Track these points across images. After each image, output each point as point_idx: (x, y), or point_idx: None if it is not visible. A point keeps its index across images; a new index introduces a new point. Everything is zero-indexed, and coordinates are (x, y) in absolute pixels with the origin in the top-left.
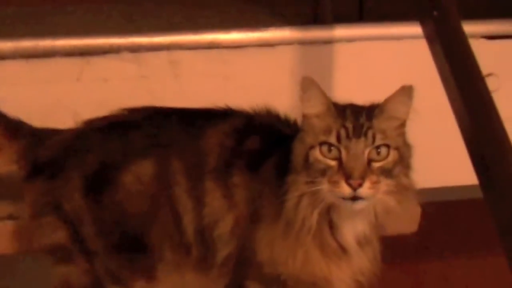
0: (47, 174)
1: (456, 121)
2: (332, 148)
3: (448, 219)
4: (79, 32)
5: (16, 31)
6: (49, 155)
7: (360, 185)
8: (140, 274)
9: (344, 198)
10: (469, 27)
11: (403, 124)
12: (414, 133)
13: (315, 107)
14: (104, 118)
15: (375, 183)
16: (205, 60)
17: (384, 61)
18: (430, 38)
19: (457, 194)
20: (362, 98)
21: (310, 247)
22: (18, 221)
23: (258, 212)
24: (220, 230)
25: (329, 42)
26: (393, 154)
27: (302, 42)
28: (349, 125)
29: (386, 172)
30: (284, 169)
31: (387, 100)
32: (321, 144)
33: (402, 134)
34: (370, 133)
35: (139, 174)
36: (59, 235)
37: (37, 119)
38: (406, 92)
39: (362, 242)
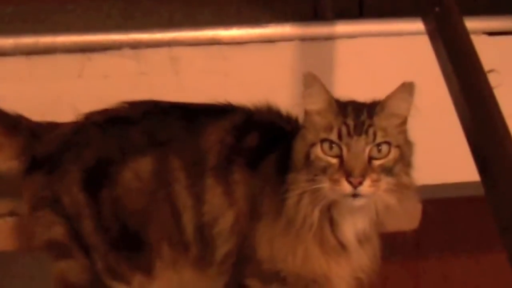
0: (45, 169)
1: (457, 118)
2: (333, 145)
3: (448, 216)
4: (79, 28)
5: (16, 28)
6: (48, 149)
7: (361, 183)
8: (139, 270)
9: (344, 195)
10: (471, 23)
11: (404, 122)
12: (416, 129)
13: (317, 104)
14: (104, 111)
15: (375, 181)
16: (206, 57)
17: (385, 57)
18: (432, 34)
19: (457, 191)
20: (362, 94)
21: (310, 244)
22: (18, 218)
23: (258, 209)
24: (220, 227)
25: (329, 38)
26: (394, 152)
27: (303, 39)
28: (350, 123)
29: (387, 170)
30: (284, 166)
31: (388, 97)
32: (322, 141)
33: (403, 132)
34: (371, 131)
35: (138, 170)
36: (57, 230)
37: (38, 115)
38: (407, 88)
39: (362, 240)
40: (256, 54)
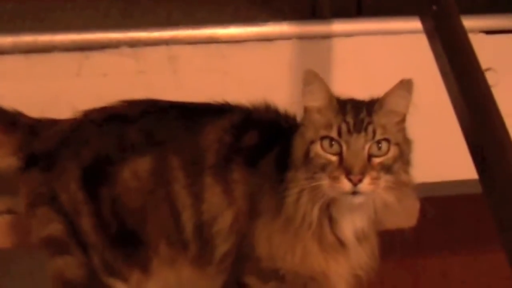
0: (43, 165)
1: (455, 116)
2: (333, 142)
3: (446, 214)
4: (78, 27)
5: (15, 27)
6: (45, 146)
7: (360, 180)
8: (136, 267)
9: (344, 193)
10: (468, 22)
11: (403, 120)
12: (414, 127)
13: (317, 101)
14: (102, 109)
15: (375, 179)
16: (204, 55)
17: (383, 56)
18: (429, 33)
19: (455, 189)
20: (360, 93)
21: (309, 242)
22: (16, 216)
23: (257, 207)
24: (219, 226)
25: (327, 36)
26: (393, 150)
27: (301, 37)
28: (350, 120)
29: (386, 168)
30: (283, 164)
31: (386, 94)
32: (322, 138)
33: (402, 130)
34: (370, 128)
35: (136, 170)
36: (54, 227)
37: (37, 114)
38: (405, 86)
39: (360, 237)
40: (254, 52)
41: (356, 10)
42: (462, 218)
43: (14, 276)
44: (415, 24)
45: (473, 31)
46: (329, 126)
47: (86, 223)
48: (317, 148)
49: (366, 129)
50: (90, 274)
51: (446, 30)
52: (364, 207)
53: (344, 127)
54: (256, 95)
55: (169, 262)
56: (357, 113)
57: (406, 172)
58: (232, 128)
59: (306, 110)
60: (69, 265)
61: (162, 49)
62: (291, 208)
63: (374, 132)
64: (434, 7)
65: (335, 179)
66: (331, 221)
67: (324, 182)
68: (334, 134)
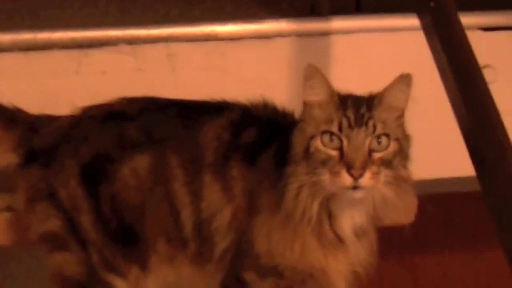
0: (42, 161)
1: (453, 113)
2: (333, 137)
3: (445, 212)
4: (76, 24)
5: (14, 25)
6: (45, 142)
7: (361, 175)
8: (134, 264)
9: (344, 188)
10: (466, 19)
11: (402, 115)
12: (411, 124)
13: (318, 95)
14: (102, 106)
15: (375, 174)
16: (202, 53)
17: (381, 53)
18: (427, 30)
19: (454, 187)
20: (359, 90)
21: (308, 237)
22: (15, 213)
23: (256, 203)
24: (218, 223)
25: (326, 34)
26: (393, 145)
27: (299, 34)
28: (351, 115)
29: (386, 163)
30: (282, 160)
31: (386, 89)
32: (323, 133)
33: (401, 125)
34: (371, 123)
35: (135, 167)
36: (53, 223)
37: (36, 111)
38: (405, 80)
39: (359, 233)
40: (253, 50)
41: (355, 7)
42: (461, 216)
43: (14, 274)
44: (413, 21)
45: (471, 28)
46: (329, 121)
47: (85, 220)
48: (317, 143)
49: (366, 124)
50: (89, 270)
51: (443, 27)
52: (364, 202)
53: (345, 122)
54: (254, 92)
55: (168, 259)
56: (358, 108)
57: (405, 167)
58: (230, 126)
59: (306, 105)
60: (68, 261)
61: (160, 46)
62: (290, 203)
63: (374, 127)
64: (432, 4)
65: (336, 174)
66: (330, 217)
67: (325, 177)
68: (335, 129)
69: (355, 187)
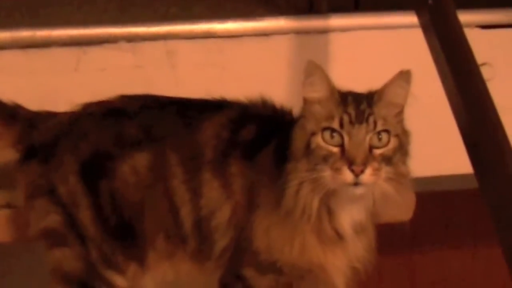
0: (41, 157)
1: (451, 110)
2: (334, 134)
3: (444, 209)
4: (76, 22)
5: (13, 22)
6: (44, 138)
7: (363, 171)
8: (133, 260)
9: (346, 184)
10: (464, 16)
11: (401, 111)
12: (411, 121)
13: (318, 92)
14: (101, 103)
15: (376, 170)
16: (201, 50)
17: (379, 50)
18: (425, 27)
19: (453, 184)
20: (357, 87)
21: (307, 234)
22: (15, 210)
23: (255, 200)
24: (217, 220)
25: (324, 31)
26: (393, 141)
27: (298, 32)
28: (351, 111)
29: (387, 160)
30: (281, 157)
31: (385, 85)
32: (324, 130)
33: (401, 121)
34: (371, 119)
35: (135, 165)
36: (52, 218)
37: (35, 109)
38: (404, 76)
39: (358, 230)
40: (252, 47)
41: (353, 5)
42: (460, 214)
43: (13, 270)
44: (412, 18)
45: (469, 25)
46: (330, 118)
47: (84, 216)
48: (318, 139)
49: (367, 120)
50: (88, 266)
51: (442, 24)
52: (364, 199)
53: (346, 118)
54: (253, 90)
55: (166, 256)
56: (358, 104)
57: (404, 163)
58: (229, 124)
59: (307, 101)
60: (67, 257)
61: (160, 44)
62: (290, 200)
63: (375, 123)
64: (430, 1)
65: (337, 170)
66: (330, 213)
67: (326, 173)
68: (335, 125)
69: (356, 184)
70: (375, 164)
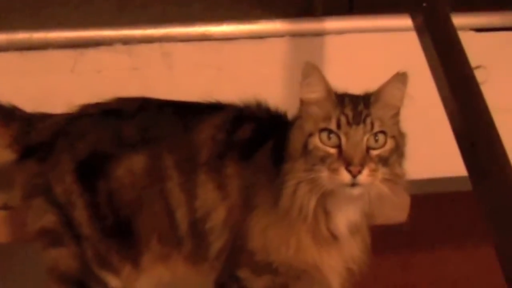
0: (38, 157)
1: (445, 112)
2: (331, 135)
3: (438, 211)
4: (72, 24)
5: (9, 24)
6: (41, 138)
7: (360, 172)
8: (127, 261)
9: (343, 185)
10: (458, 20)
11: (397, 113)
12: (405, 124)
13: (315, 93)
14: (98, 104)
15: (373, 171)
16: (197, 52)
17: (374, 53)
18: (420, 30)
19: (448, 186)
20: (352, 90)
21: (303, 234)
22: (12, 211)
23: (251, 200)
24: (213, 221)
25: (319, 34)
26: (390, 143)
27: (293, 34)
28: (349, 113)
29: (383, 161)
30: (277, 158)
31: (382, 87)
32: (321, 131)
33: (397, 123)
34: (368, 120)
35: (131, 167)
36: (48, 218)
37: (32, 111)
38: (401, 78)
39: (353, 230)
40: (247, 49)
41: (348, 7)
42: (454, 215)
43: (9, 270)
44: (406, 21)
45: (463, 28)
46: (328, 119)
47: (80, 215)
48: (315, 140)
49: (364, 121)
50: (83, 266)
51: (436, 27)
52: (360, 199)
53: (343, 119)
54: (249, 92)
55: (161, 258)
56: (355, 105)
57: (400, 165)
58: (225, 125)
59: (304, 102)
60: (63, 256)
61: (155, 46)
62: (287, 200)
63: (372, 124)
64: (424, 4)
65: (334, 171)
66: (326, 214)
67: (323, 174)
68: (333, 126)
69: (353, 184)
70: (372, 165)
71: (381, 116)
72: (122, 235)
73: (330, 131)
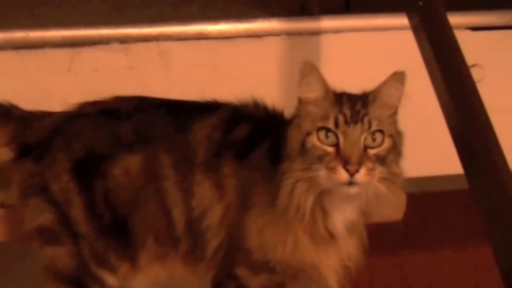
0: (35, 156)
1: (441, 111)
2: (329, 134)
3: (434, 210)
4: (69, 23)
5: (6, 23)
6: (38, 137)
7: (357, 170)
8: (124, 260)
9: (340, 183)
10: (454, 18)
11: (395, 112)
12: (402, 123)
13: (314, 92)
14: (95, 103)
15: (371, 170)
16: (194, 51)
17: (370, 52)
18: (416, 29)
19: (443, 185)
20: (348, 89)
21: (300, 233)
22: (8, 209)
23: (248, 199)
24: (209, 220)
25: (316, 33)
26: (387, 142)
27: (289, 33)
28: (347, 112)
29: (381, 160)
30: (274, 157)
31: (380, 86)
32: (319, 129)
33: (395, 122)
34: (366, 119)
35: (127, 167)
36: (45, 217)
37: (28, 109)
38: (398, 77)
39: (350, 229)
40: (244, 48)
41: (344, 6)
42: (450, 214)
43: (6, 269)
44: (403, 20)
45: (459, 27)
46: (325, 118)
47: (77, 214)
48: (313, 139)
49: (362, 120)
50: (80, 264)
51: (432, 26)
52: (357, 198)
53: (341, 118)
54: (245, 91)
55: (158, 257)
56: (353, 104)
57: (397, 164)
58: (221, 125)
59: (302, 101)
60: (60, 255)
61: (152, 45)
62: (285, 199)
63: (370, 123)
64: (421, 3)
65: (332, 169)
66: (323, 212)
67: (321, 172)
68: (331, 125)
69: (350, 183)
70: (370, 164)
71: (378, 115)
72: (119, 234)
73: (328, 130)
